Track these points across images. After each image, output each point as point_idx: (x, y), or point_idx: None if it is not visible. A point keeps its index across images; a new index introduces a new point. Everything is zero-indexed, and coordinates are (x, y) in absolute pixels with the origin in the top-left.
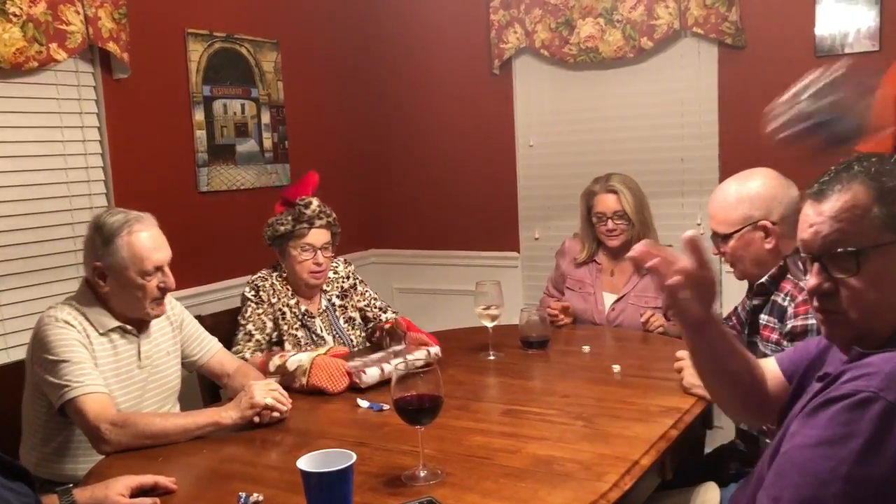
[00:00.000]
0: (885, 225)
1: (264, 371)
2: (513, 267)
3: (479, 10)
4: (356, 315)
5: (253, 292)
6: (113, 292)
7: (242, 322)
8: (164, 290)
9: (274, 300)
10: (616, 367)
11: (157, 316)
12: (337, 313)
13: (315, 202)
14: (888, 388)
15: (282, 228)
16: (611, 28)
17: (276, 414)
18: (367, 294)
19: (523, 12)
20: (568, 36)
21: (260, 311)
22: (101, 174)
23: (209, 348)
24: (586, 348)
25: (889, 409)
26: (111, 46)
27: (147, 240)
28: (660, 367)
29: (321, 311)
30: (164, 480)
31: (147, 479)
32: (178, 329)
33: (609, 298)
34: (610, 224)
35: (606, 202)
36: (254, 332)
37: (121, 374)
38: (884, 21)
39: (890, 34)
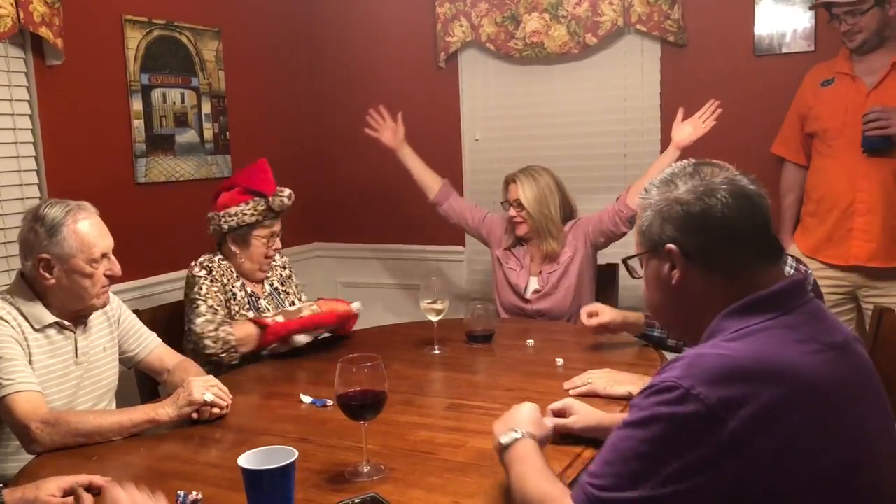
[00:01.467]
0: (641, 238)
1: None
2: (458, 261)
3: (425, 2)
4: (297, 301)
5: (204, 272)
6: (59, 284)
7: (199, 298)
8: (111, 278)
9: (224, 281)
10: (560, 361)
11: (102, 306)
12: (282, 297)
13: (288, 193)
14: (685, 376)
15: (250, 219)
16: (556, 24)
17: (216, 410)
18: (299, 287)
19: (469, 6)
20: (513, 30)
21: (215, 288)
22: (33, 164)
23: (147, 343)
24: (531, 342)
25: (684, 394)
26: (44, 31)
27: (92, 227)
28: (603, 359)
29: (266, 294)
30: (99, 480)
31: (81, 478)
32: (115, 324)
33: (533, 283)
34: (511, 211)
35: (510, 190)
36: (217, 308)
37: (56, 372)
38: (818, 23)
39: (824, 35)
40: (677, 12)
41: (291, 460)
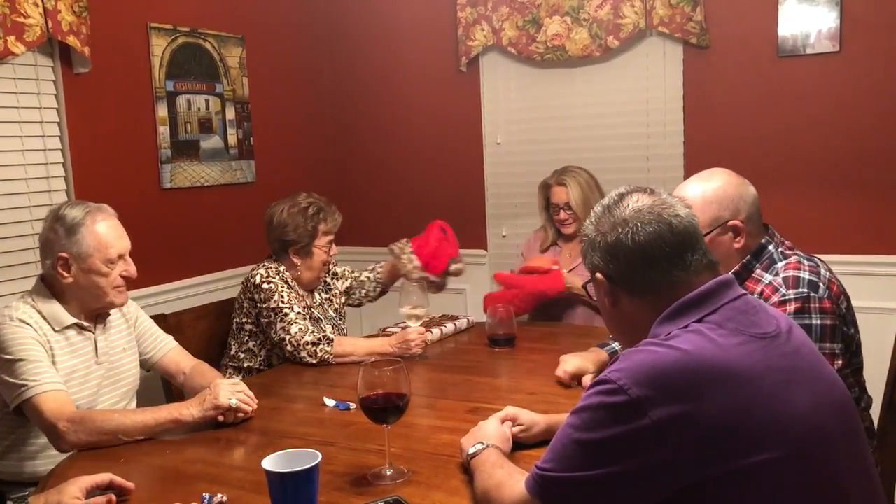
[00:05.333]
0: (585, 266)
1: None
2: (480, 265)
3: (446, 7)
4: (341, 306)
5: (278, 277)
6: (76, 283)
7: (278, 306)
8: (126, 279)
9: (291, 289)
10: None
11: (121, 304)
12: (325, 305)
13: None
14: (616, 371)
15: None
16: (577, 27)
17: (241, 414)
18: (345, 271)
19: (490, 10)
20: (535, 34)
21: (293, 295)
22: (60, 170)
23: (162, 346)
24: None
25: (615, 388)
26: (71, 40)
27: (110, 228)
28: None
29: (318, 304)
30: (120, 480)
31: (102, 477)
32: (132, 326)
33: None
34: (562, 214)
35: (558, 194)
36: (303, 312)
37: (78, 371)
38: (843, 23)
39: (849, 36)
40: (700, 14)
41: (315, 463)
